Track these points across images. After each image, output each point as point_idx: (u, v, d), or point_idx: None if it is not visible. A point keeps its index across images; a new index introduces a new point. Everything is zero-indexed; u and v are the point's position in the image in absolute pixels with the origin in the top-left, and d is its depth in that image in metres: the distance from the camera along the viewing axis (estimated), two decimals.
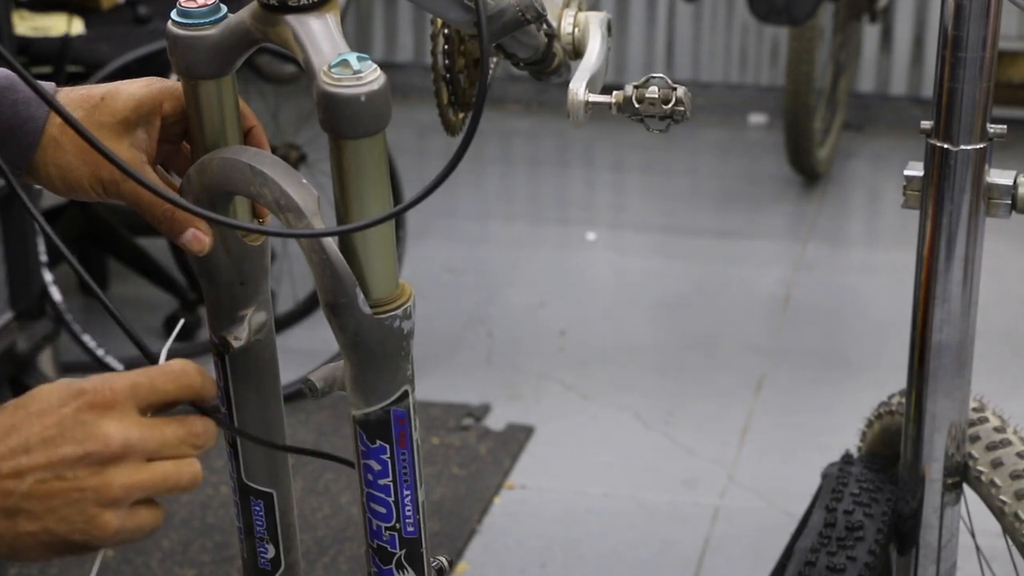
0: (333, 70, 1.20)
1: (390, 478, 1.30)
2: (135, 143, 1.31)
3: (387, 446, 1.29)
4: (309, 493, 3.19)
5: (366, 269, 1.25)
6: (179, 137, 1.36)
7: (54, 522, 1.07)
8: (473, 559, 3.04)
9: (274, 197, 1.25)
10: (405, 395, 1.28)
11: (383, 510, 1.31)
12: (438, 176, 1.22)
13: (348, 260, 1.23)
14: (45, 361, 3.49)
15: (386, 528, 1.31)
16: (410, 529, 1.32)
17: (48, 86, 1.32)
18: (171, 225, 1.31)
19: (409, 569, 1.33)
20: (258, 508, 1.42)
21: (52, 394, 1.08)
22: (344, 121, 1.20)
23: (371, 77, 1.19)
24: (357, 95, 1.19)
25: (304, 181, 1.26)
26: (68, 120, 1.16)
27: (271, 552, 1.43)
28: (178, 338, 4.06)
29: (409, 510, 1.31)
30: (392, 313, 1.26)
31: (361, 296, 1.24)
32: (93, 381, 1.08)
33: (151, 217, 1.31)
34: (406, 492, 1.30)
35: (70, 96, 1.32)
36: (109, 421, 1.08)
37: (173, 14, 1.29)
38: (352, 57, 1.20)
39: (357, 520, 3.10)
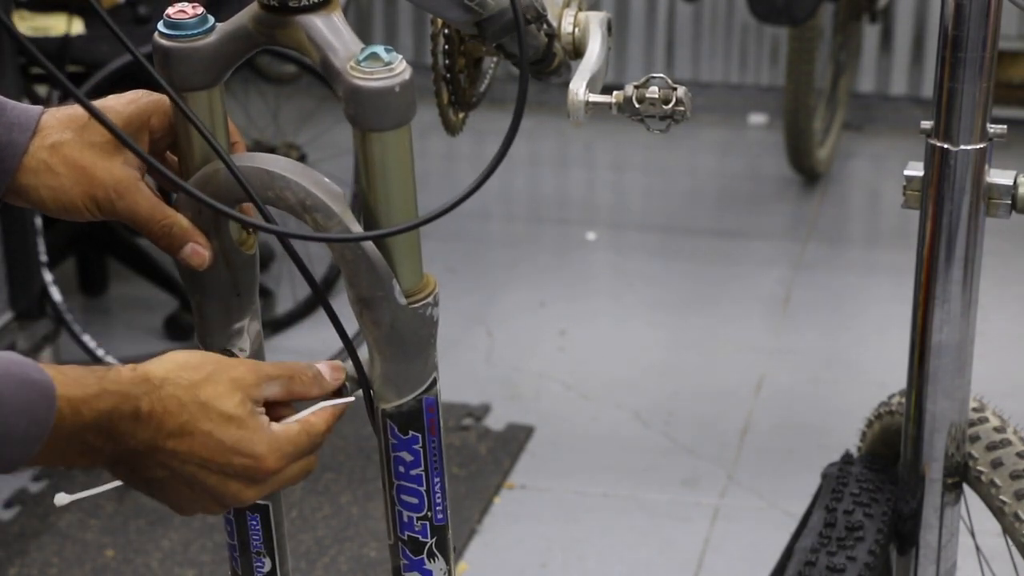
0: (363, 64, 1.20)
1: (422, 467, 1.32)
2: (127, 160, 1.30)
3: (419, 435, 1.31)
4: (309, 493, 3.19)
5: (397, 262, 1.26)
6: (165, 150, 1.35)
7: (161, 496, 1.22)
8: (473, 559, 3.04)
9: (298, 199, 1.25)
10: (434, 382, 1.31)
11: (415, 500, 1.33)
12: (482, 174, 1.24)
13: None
14: (45, 361, 3.49)
15: (418, 518, 1.33)
16: (440, 516, 1.34)
17: (35, 109, 1.32)
18: (169, 240, 1.31)
19: (439, 557, 1.35)
20: (255, 522, 1.42)
21: (233, 429, 1.20)
22: (378, 113, 1.21)
23: (401, 68, 1.21)
24: (391, 86, 1.20)
25: (327, 180, 1.26)
26: (96, 115, 1.18)
27: (268, 566, 1.43)
28: (178, 337, 4.06)
29: (439, 497, 1.33)
30: (424, 301, 1.28)
31: (397, 288, 1.25)
32: (271, 448, 1.22)
33: (148, 233, 1.31)
34: (436, 479, 1.33)
35: (57, 116, 1.32)
36: (252, 490, 1.23)
37: (160, 26, 1.27)
38: (380, 49, 1.20)
39: (357, 520, 3.10)
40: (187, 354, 1.22)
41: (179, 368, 1.20)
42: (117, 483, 1.24)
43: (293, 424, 1.25)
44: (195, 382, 1.20)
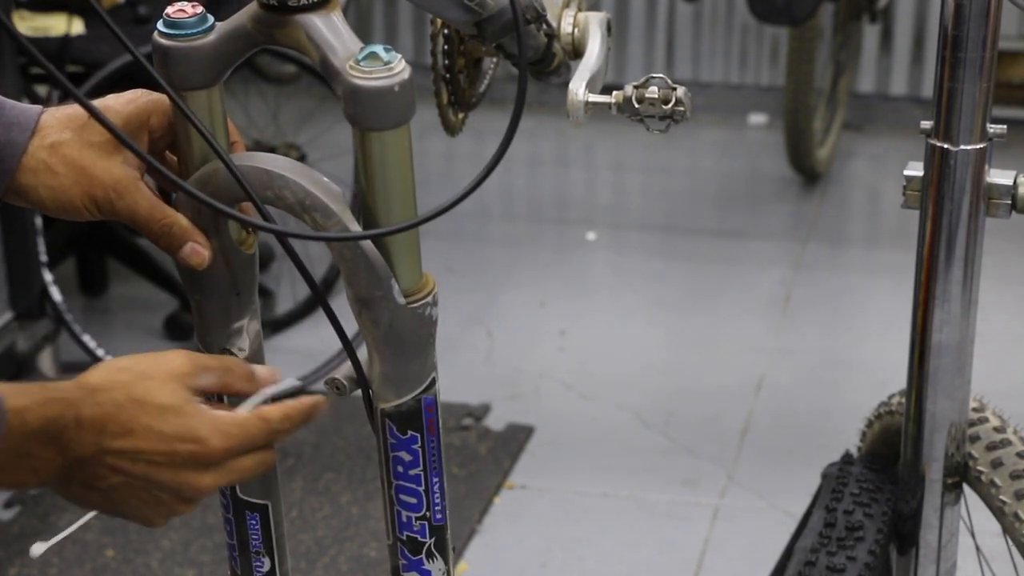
0: (362, 63, 1.20)
1: (420, 467, 1.32)
2: (127, 160, 1.30)
3: (418, 435, 1.31)
4: (309, 493, 3.19)
5: (396, 261, 1.26)
6: (165, 150, 1.35)
7: (124, 509, 1.23)
8: (473, 559, 3.04)
9: (298, 199, 1.25)
10: (433, 382, 1.31)
11: (413, 500, 1.33)
12: (481, 173, 1.25)
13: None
14: (45, 361, 3.49)
15: (416, 518, 1.33)
16: (439, 516, 1.34)
17: (35, 109, 1.32)
18: (169, 240, 1.31)
19: (438, 557, 1.35)
20: (254, 522, 1.42)
21: (171, 418, 1.21)
22: (378, 113, 1.21)
23: (400, 67, 1.21)
24: (391, 86, 1.21)
25: (326, 179, 1.26)
26: (95, 114, 1.18)
27: (267, 565, 1.43)
28: (178, 337, 4.07)
29: (438, 497, 1.33)
30: (424, 301, 1.28)
31: (396, 287, 1.25)
32: (214, 429, 1.22)
33: (148, 232, 1.31)
34: (435, 479, 1.33)
35: (56, 116, 1.32)
36: (207, 476, 1.22)
37: (160, 26, 1.27)
38: (379, 49, 1.21)
39: (357, 520, 3.10)
40: (121, 359, 1.24)
41: (112, 372, 1.21)
42: (91, 514, 1.25)
43: (242, 412, 1.25)
44: (128, 382, 1.20)
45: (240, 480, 1.26)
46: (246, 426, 1.23)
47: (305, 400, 1.28)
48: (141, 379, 1.21)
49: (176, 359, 1.24)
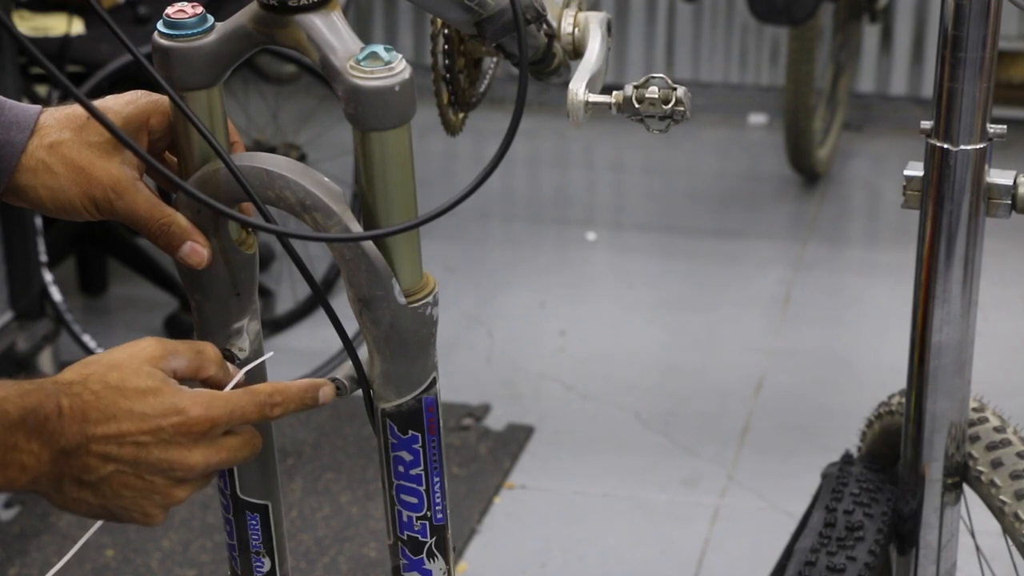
0: (363, 63, 1.21)
1: (421, 467, 1.32)
2: (125, 160, 1.30)
3: (419, 435, 1.31)
4: (309, 493, 3.19)
5: (397, 261, 1.27)
6: (164, 151, 1.35)
7: (115, 505, 1.21)
8: (473, 559, 3.04)
9: (298, 199, 1.25)
10: (434, 382, 1.32)
11: (414, 500, 1.33)
12: (482, 173, 1.25)
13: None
14: (45, 361, 3.49)
15: (417, 518, 1.34)
16: (439, 516, 1.34)
17: (34, 109, 1.32)
18: (168, 239, 1.31)
19: (439, 556, 1.35)
20: (254, 522, 1.42)
21: (150, 398, 1.20)
22: (378, 113, 1.21)
23: (401, 67, 1.22)
24: (391, 86, 1.21)
25: (327, 179, 1.26)
26: (95, 114, 1.18)
27: (267, 566, 1.43)
28: (178, 337, 4.06)
29: (439, 496, 1.34)
30: (424, 301, 1.28)
31: (397, 287, 1.26)
32: (196, 401, 1.21)
33: (147, 232, 1.31)
34: (436, 479, 1.33)
35: (55, 116, 1.32)
36: (197, 451, 1.21)
37: (160, 26, 1.27)
38: (380, 49, 1.21)
39: (357, 520, 3.10)
40: (90, 357, 1.25)
41: (83, 367, 1.22)
42: (92, 529, 1.25)
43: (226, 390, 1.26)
44: (102, 372, 1.21)
45: (232, 459, 1.24)
46: (230, 398, 1.23)
47: (304, 380, 1.28)
48: (113, 368, 1.21)
49: (145, 344, 1.24)
